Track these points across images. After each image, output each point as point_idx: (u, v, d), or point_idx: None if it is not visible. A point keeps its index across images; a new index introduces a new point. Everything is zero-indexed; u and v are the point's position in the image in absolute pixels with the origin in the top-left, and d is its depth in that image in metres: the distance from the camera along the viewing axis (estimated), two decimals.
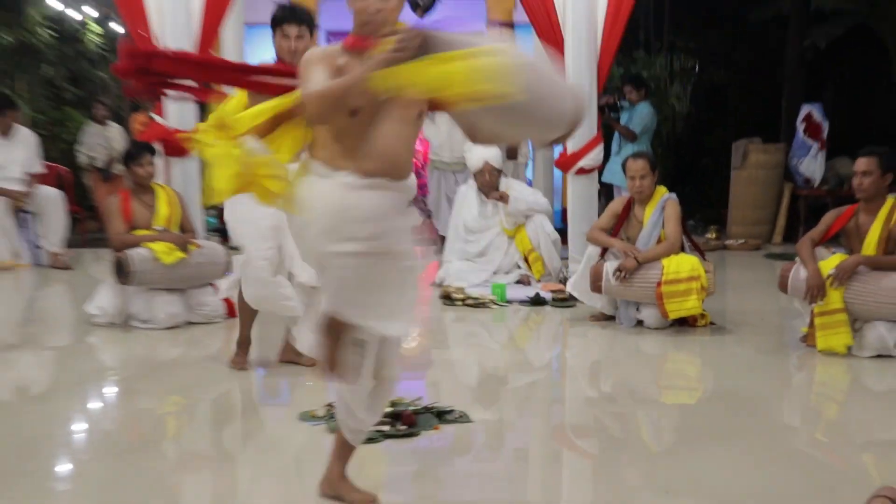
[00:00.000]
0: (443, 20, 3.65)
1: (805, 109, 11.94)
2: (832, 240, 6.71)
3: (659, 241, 7.19)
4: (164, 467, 4.28)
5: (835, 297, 6.32)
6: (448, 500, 4.31)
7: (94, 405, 5.96)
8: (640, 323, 7.26)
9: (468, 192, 9.08)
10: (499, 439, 5.11)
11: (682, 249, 7.22)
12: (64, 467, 4.90)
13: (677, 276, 6.99)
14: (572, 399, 6.11)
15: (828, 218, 6.67)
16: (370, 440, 4.78)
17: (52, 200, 10.39)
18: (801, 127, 11.88)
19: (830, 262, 6.42)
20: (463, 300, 8.19)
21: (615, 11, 8.58)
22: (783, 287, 6.70)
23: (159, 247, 7.09)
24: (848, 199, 7.57)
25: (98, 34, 14.93)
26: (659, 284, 6.99)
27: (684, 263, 7.04)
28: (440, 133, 10.62)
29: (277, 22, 5.71)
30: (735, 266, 10.26)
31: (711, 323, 7.30)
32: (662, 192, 7.31)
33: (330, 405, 5.10)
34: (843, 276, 6.29)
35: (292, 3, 5.81)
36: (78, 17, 14.60)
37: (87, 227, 12.42)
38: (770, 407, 5.62)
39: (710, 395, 6.03)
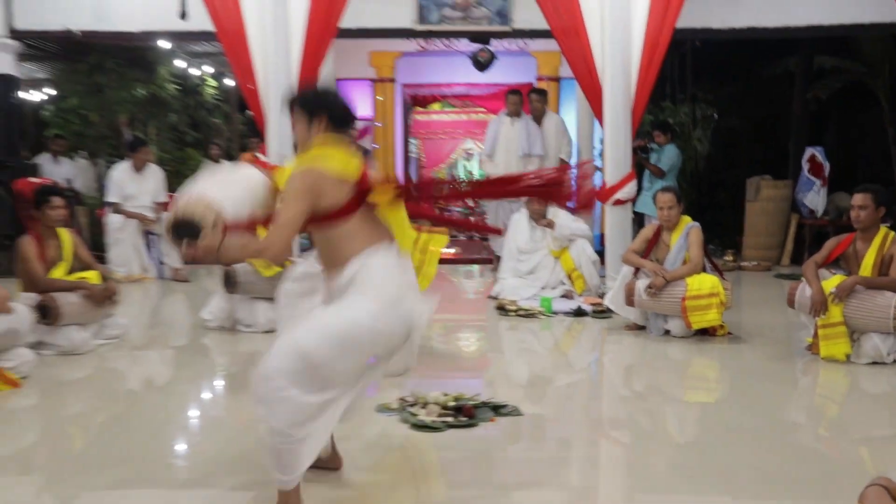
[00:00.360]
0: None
1: (809, 151, 11.88)
2: (833, 263, 6.72)
3: (683, 262, 7.15)
4: (260, 446, 4.24)
5: (835, 312, 6.29)
6: (501, 482, 4.28)
7: (206, 395, 6.00)
8: (667, 332, 7.21)
9: (520, 219, 9.08)
10: (545, 430, 5.09)
11: (704, 270, 7.18)
12: (181, 447, 4.94)
13: (699, 292, 6.96)
14: (608, 396, 6.07)
15: (829, 244, 6.69)
16: (435, 429, 4.78)
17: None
18: (805, 166, 11.83)
19: (832, 281, 6.42)
20: (515, 311, 8.17)
21: (647, 67, 8.57)
22: (791, 303, 6.69)
23: (259, 262, 7.09)
24: (846, 228, 7.52)
25: (214, 87, 15.13)
26: (684, 299, 6.96)
27: (706, 281, 7.00)
28: (497, 168, 10.61)
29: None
30: (749, 284, 10.14)
31: (729, 333, 7.21)
32: (687, 220, 7.30)
33: (403, 399, 5.10)
34: (843, 293, 6.27)
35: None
36: (198, 73, 14.80)
37: None
38: (779, 406, 5.56)
39: (727, 395, 5.97)
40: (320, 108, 3.76)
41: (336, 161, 3.59)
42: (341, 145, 3.71)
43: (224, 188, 3.66)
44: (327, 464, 4.06)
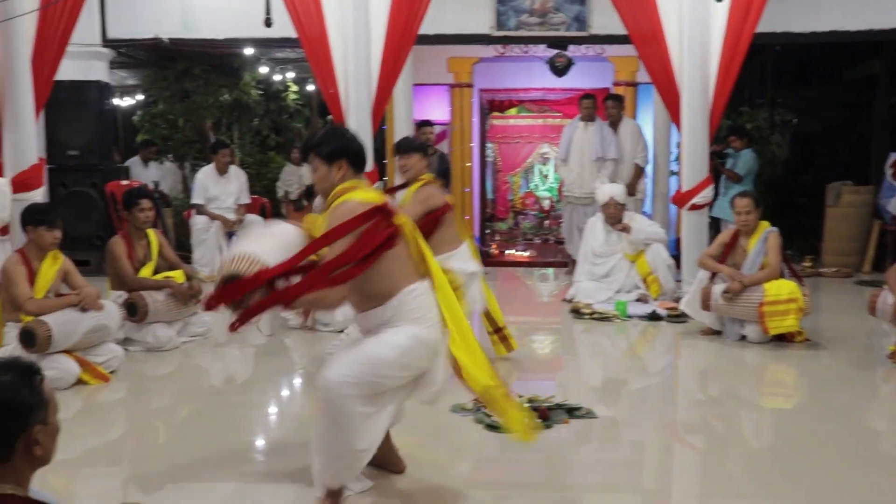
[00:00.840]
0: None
1: (893, 156, 11.58)
2: None
3: (761, 267, 7.02)
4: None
5: None
6: (574, 483, 4.26)
7: (285, 392, 6.08)
8: (743, 338, 7.09)
9: (596, 223, 9.02)
10: (618, 433, 5.05)
11: (782, 275, 7.03)
12: (260, 442, 5.00)
13: (777, 297, 6.83)
14: (683, 401, 6.00)
15: None
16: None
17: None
18: (889, 171, 11.55)
19: None
20: (590, 314, 8.12)
21: (725, 72, 8.46)
22: (872, 310, 6.58)
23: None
24: None
25: (295, 93, 15.29)
26: (761, 304, 6.85)
27: (784, 287, 6.87)
28: (571, 172, 10.56)
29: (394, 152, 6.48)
30: (828, 291, 9.93)
31: (807, 339, 7.05)
32: (765, 225, 7.16)
33: (477, 399, 5.09)
34: None
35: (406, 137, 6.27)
36: (280, 79, 14.98)
37: None
38: (858, 414, 5.45)
39: (804, 402, 5.86)
40: (339, 154, 3.86)
41: (369, 197, 3.74)
42: (363, 186, 3.87)
43: (262, 243, 3.76)
44: (392, 467, 4.10)
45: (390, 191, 8.81)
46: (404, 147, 6.34)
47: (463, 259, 6.05)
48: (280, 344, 7.28)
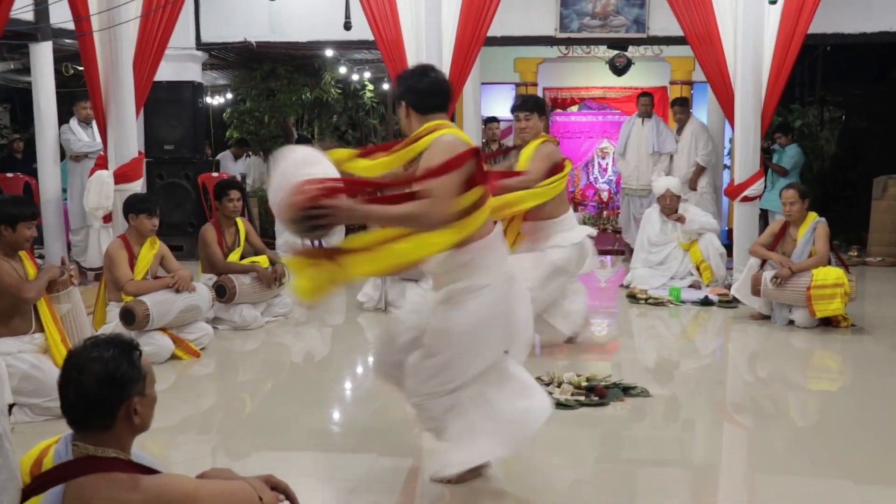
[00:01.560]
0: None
1: None
2: None
3: (809, 255, 6.90)
4: (408, 417, 4.25)
5: None
6: (629, 457, 4.24)
7: (359, 369, 6.11)
8: (791, 322, 6.99)
9: (652, 213, 8.95)
10: (671, 411, 5.00)
11: (829, 263, 6.91)
12: (337, 415, 5.04)
13: (824, 282, 6.74)
14: (732, 381, 5.92)
15: None
16: (569, 407, 4.76)
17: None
18: None
19: None
20: (646, 300, 8.05)
21: (777, 72, 8.30)
22: None
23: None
24: None
25: (372, 91, 15.35)
26: (809, 288, 6.76)
27: (831, 273, 6.77)
28: (629, 166, 10.48)
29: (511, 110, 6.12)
30: (874, 279, 9.70)
31: (852, 325, 6.91)
32: (813, 216, 7.07)
33: (539, 378, 5.06)
34: None
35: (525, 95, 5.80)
36: (358, 78, 15.05)
37: None
38: None
39: (849, 385, 5.74)
40: (399, 96, 3.70)
41: (464, 137, 3.52)
42: (449, 125, 3.60)
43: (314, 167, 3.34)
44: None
45: (490, 155, 8.77)
46: (530, 104, 6.07)
47: (573, 222, 6.14)
48: (355, 324, 7.33)
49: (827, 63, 14.41)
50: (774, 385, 5.60)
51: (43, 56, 8.62)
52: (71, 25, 7.91)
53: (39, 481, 2.20)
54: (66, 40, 9.17)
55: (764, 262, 7.14)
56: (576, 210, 15.81)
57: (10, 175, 10.43)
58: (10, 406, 4.49)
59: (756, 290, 7.10)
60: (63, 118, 9.12)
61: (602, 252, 11.98)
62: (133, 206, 6.09)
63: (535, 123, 5.99)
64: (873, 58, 13.70)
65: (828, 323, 6.89)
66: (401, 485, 3.83)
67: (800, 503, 3.59)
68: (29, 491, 2.21)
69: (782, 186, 7.44)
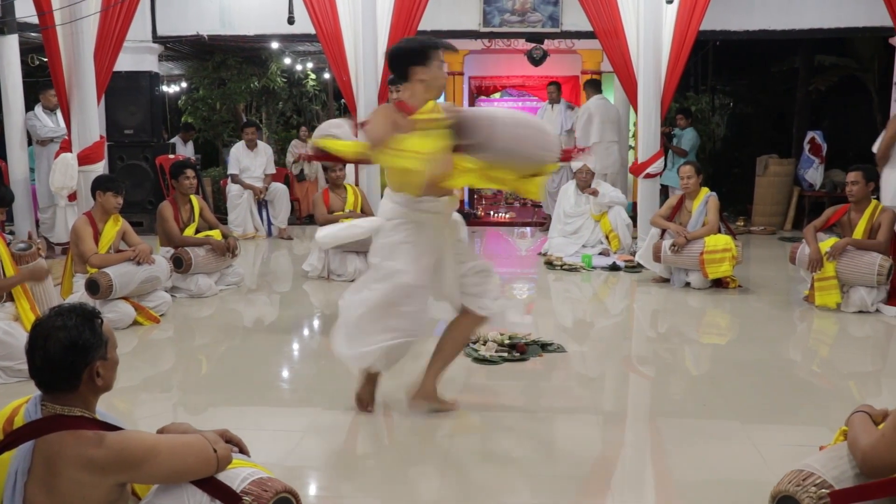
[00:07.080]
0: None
1: (809, 134, 11.58)
2: (829, 228, 6.56)
3: (702, 225, 7.03)
4: (349, 374, 4.23)
5: (829, 268, 6.23)
6: (547, 406, 4.27)
7: (305, 332, 6.07)
8: (687, 284, 7.14)
9: (569, 188, 9.03)
10: (584, 364, 5.06)
11: (719, 231, 7.05)
12: (285, 373, 5.00)
13: (715, 248, 6.91)
14: (637, 337, 6.01)
15: (828, 212, 6.59)
16: (493, 363, 4.79)
17: (280, 192, 10.57)
18: (806, 147, 11.55)
19: (827, 243, 6.34)
20: (561, 266, 8.12)
21: (674, 63, 8.41)
22: (792, 260, 6.60)
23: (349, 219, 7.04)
24: (840, 199, 7.38)
25: (314, 80, 15.18)
26: (702, 254, 6.93)
27: (720, 240, 6.94)
28: None
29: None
30: (757, 245, 9.94)
31: (739, 286, 7.08)
32: (706, 191, 7.23)
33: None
34: (836, 253, 6.21)
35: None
36: (301, 68, 14.86)
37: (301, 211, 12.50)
38: (780, 346, 5.48)
39: (736, 338, 5.87)
40: None
41: None
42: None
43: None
44: (447, 407, 4.02)
45: None
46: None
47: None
48: (301, 291, 7.27)
49: (717, 56, 14.66)
50: (673, 339, 5.69)
51: (9, 48, 8.31)
52: (35, 20, 7.66)
53: (11, 438, 2.16)
54: (31, 34, 8.85)
55: (664, 231, 7.25)
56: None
57: None
58: None
59: (657, 257, 7.21)
60: (29, 106, 8.83)
61: (522, 224, 12.08)
62: (101, 184, 5.96)
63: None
64: (757, 52, 13.98)
65: (719, 284, 7.05)
66: (344, 434, 3.82)
67: (695, 441, 3.67)
68: (1, 447, 2.16)
69: (680, 164, 7.60)
